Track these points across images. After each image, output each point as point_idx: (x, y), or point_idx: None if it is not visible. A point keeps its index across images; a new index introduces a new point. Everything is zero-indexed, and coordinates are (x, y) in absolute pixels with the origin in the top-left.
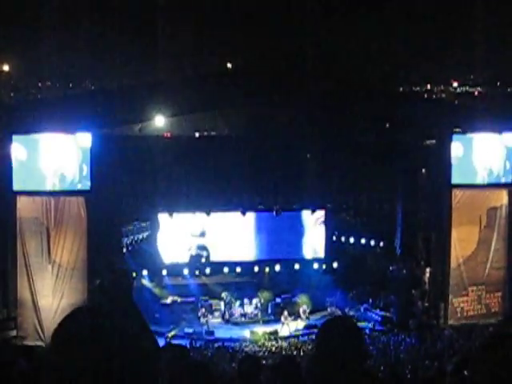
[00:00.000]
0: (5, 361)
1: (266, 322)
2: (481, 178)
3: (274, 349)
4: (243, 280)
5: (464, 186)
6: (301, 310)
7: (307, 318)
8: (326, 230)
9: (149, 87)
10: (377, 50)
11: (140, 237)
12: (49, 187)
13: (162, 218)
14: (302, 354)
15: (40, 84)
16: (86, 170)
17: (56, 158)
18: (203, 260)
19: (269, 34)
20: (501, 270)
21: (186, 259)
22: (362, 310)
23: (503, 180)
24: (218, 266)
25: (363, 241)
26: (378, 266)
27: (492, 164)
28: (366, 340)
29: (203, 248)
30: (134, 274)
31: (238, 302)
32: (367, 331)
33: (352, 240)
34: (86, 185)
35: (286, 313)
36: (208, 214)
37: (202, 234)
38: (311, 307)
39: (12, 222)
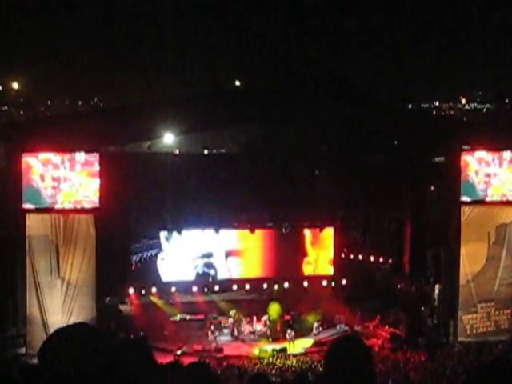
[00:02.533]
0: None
1: (275, 340)
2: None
3: (282, 366)
4: (252, 297)
5: (472, 202)
6: (314, 327)
7: (318, 334)
8: (334, 247)
9: (158, 105)
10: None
11: (149, 254)
12: (52, 205)
13: (170, 235)
14: (309, 371)
15: (49, 102)
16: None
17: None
18: (210, 279)
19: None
20: (510, 286)
21: (192, 277)
22: (371, 327)
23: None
24: (226, 284)
25: (372, 258)
26: (387, 282)
27: (499, 181)
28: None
29: (210, 266)
30: (144, 292)
31: (246, 320)
32: (376, 348)
33: (361, 257)
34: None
35: (289, 330)
36: (217, 231)
37: (210, 255)
38: (320, 325)
39: (21, 240)
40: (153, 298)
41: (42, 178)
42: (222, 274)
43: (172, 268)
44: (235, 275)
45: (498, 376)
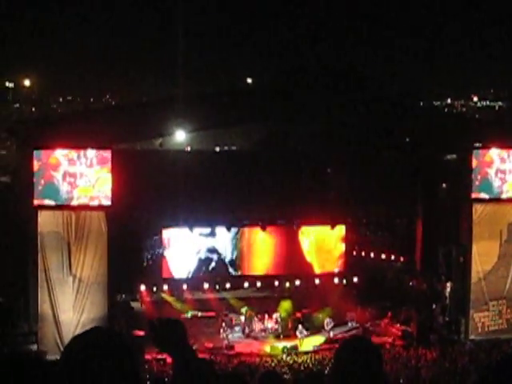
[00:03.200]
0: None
1: (287, 337)
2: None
3: (293, 364)
4: (263, 295)
5: (485, 200)
6: (325, 323)
7: (329, 331)
8: (346, 245)
9: (169, 102)
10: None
11: (160, 251)
12: (69, 201)
13: (180, 232)
14: (321, 368)
15: (61, 99)
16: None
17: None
18: (213, 264)
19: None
20: None
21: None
22: (382, 324)
23: None
24: (238, 281)
25: (383, 255)
26: (399, 280)
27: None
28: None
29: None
30: (155, 289)
31: (258, 317)
32: (387, 346)
33: (372, 255)
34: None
35: (300, 327)
36: (228, 228)
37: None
38: (331, 322)
39: (33, 237)
40: (164, 295)
41: (62, 174)
42: (234, 271)
43: (180, 264)
44: (246, 272)
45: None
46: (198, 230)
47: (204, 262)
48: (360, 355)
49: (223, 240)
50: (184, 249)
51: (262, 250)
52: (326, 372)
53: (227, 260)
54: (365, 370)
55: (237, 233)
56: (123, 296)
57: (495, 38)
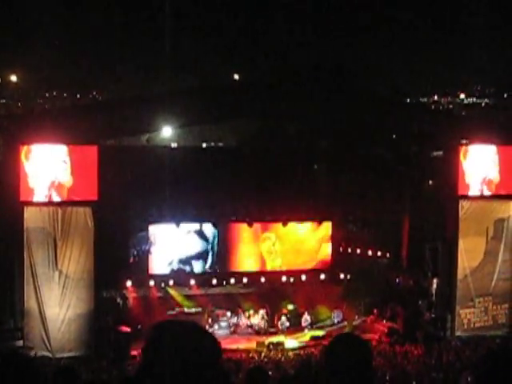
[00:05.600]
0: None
1: (272, 333)
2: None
3: (279, 359)
4: (249, 291)
5: (471, 197)
6: (302, 321)
7: (309, 328)
8: (332, 241)
9: (156, 98)
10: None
11: (147, 247)
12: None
13: (167, 228)
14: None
15: (47, 94)
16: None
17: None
18: (199, 260)
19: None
20: (508, 281)
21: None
22: (368, 321)
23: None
24: (224, 277)
25: (370, 252)
26: (385, 277)
27: (496, 175)
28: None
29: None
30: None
31: (244, 313)
32: (374, 342)
33: (359, 251)
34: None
35: (286, 324)
36: (215, 224)
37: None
38: (317, 318)
39: (19, 232)
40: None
41: (41, 169)
42: (220, 268)
43: (166, 261)
44: (233, 269)
45: (497, 365)
46: (184, 226)
47: (190, 258)
48: (353, 351)
49: (210, 236)
50: (170, 245)
51: (248, 246)
52: (314, 368)
53: (213, 256)
54: (357, 367)
55: (223, 229)
56: (109, 292)
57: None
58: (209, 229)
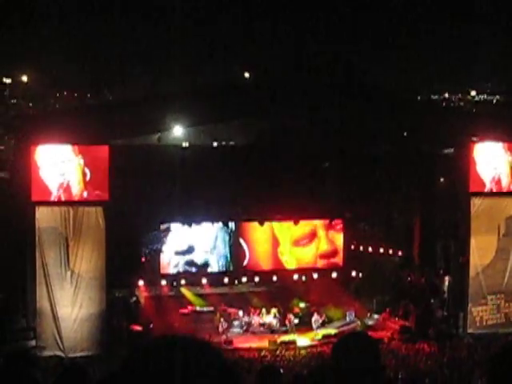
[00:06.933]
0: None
1: (285, 332)
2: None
3: (291, 358)
4: (262, 289)
5: (482, 194)
6: (314, 319)
7: (319, 327)
8: (344, 239)
9: (167, 97)
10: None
11: (158, 246)
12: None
13: (179, 227)
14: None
15: (58, 94)
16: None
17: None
18: (211, 259)
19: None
20: None
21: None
22: (380, 319)
23: None
24: (236, 276)
25: (382, 250)
26: (397, 274)
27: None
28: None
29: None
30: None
31: (256, 312)
32: (386, 340)
33: (370, 249)
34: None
35: (290, 316)
36: (226, 224)
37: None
38: (329, 317)
39: (31, 232)
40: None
41: (52, 169)
42: (230, 266)
43: (178, 260)
44: (245, 267)
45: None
46: (195, 225)
47: (202, 257)
48: (361, 349)
49: (221, 235)
50: (181, 244)
51: (259, 244)
52: (325, 367)
53: (225, 255)
54: (365, 365)
55: (235, 227)
56: (121, 291)
57: (493, 33)
58: (220, 227)
